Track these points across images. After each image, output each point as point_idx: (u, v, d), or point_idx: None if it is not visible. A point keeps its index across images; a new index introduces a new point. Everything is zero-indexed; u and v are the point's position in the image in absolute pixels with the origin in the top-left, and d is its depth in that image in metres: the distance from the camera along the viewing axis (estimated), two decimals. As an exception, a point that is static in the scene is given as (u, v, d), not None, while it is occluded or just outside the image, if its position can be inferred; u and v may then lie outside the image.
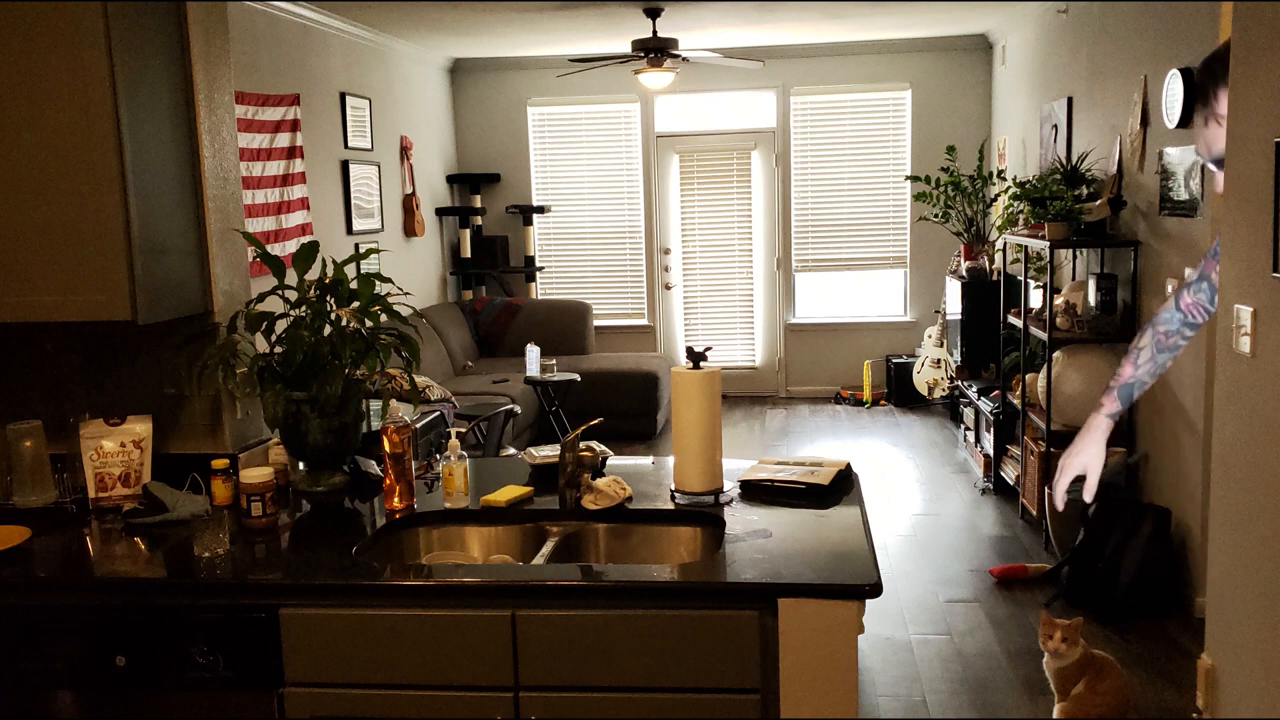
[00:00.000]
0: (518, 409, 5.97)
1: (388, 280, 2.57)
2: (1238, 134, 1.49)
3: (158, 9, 2.39)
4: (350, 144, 6.64)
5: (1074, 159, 5.57)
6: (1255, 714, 1.47)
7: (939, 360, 7.47)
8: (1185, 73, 4.22)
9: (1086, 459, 2.30)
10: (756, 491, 2.39)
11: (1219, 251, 2.14)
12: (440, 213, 8.22)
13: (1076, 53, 5.84)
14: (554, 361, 6.89)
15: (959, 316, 6.75)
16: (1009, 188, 6.17)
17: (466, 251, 8.31)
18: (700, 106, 8.45)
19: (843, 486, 2.42)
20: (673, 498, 2.35)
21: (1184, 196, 4.29)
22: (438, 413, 3.30)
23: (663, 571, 2.01)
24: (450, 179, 8.48)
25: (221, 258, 2.60)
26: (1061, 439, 4.91)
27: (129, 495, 2.44)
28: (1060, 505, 2.30)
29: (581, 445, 2.38)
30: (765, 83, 8.24)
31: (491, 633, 1.92)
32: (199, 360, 2.47)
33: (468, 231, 8.32)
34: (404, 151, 7.49)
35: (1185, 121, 4.26)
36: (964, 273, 6.86)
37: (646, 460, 2.70)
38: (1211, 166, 1.91)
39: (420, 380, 5.32)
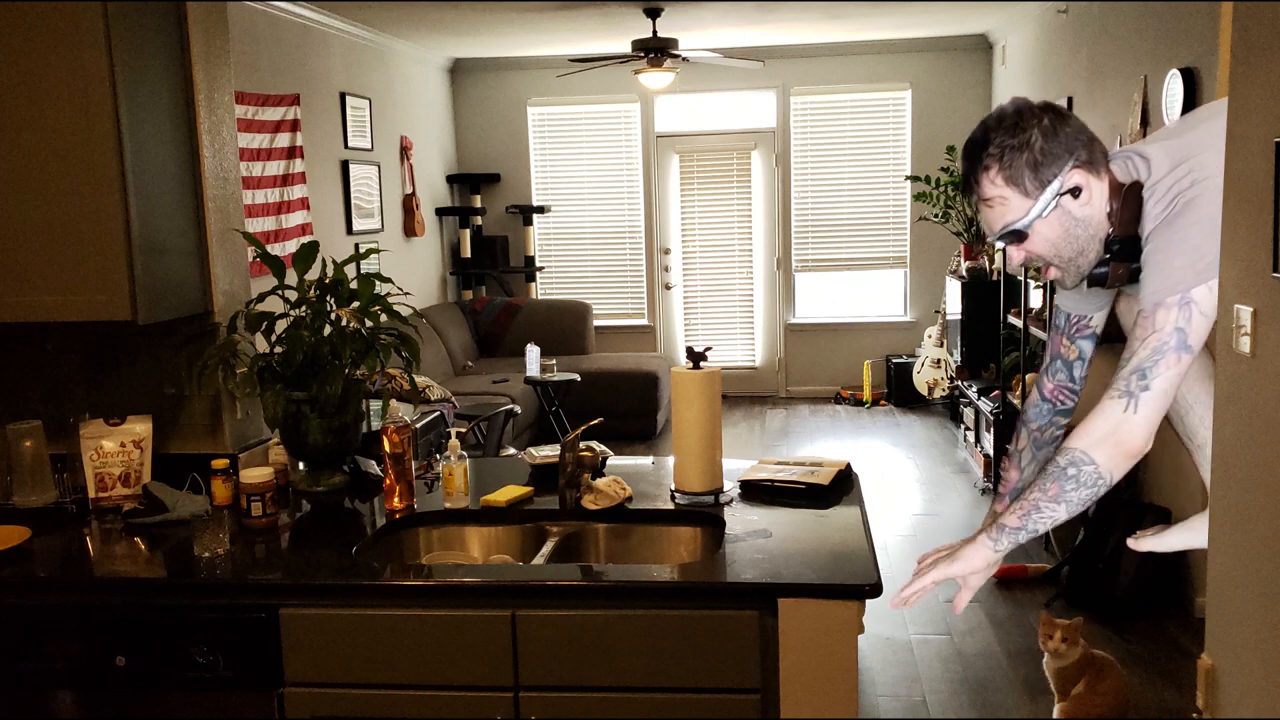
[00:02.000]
0: (518, 409, 5.97)
1: (388, 280, 2.56)
2: (1238, 134, 1.49)
3: (158, 9, 2.39)
4: (350, 144, 6.64)
5: (1074, 159, 5.56)
6: (1255, 714, 1.47)
7: (939, 360, 7.47)
8: (1185, 73, 4.22)
9: (971, 567, 1.86)
10: (756, 491, 2.39)
11: (1063, 324, 2.13)
12: (440, 213, 8.22)
13: (1076, 53, 5.84)
14: (554, 361, 6.89)
15: (959, 316, 6.75)
16: (1009, 188, 6.17)
17: (466, 251, 8.31)
18: (700, 106, 8.44)
19: (843, 486, 2.42)
20: (673, 498, 2.35)
21: (1184, 196, 4.28)
22: (438, 413, 3.30)
23: (663, 571, 2.01)
24: (450, 179, 8.48)
25: (221, 258, 2.60)
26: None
27: (129, 495, 2.43)
28: (910, 605, 1.91)
29: (581, 445, 2.38)
30: (765, 83, 8.23)
31: (491, 633, 1.92)
32: (199, 360, 2.47)
33: (468, 231, 8.32)
34: (404, 151, 7.49)
35: (1185, 121, 4.26)
36: (964, 273, 6.86)
37: (646, 460, 2.70)
38: (1000, 244, 1.91)
39: (420, 380, 5.32)
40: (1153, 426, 1.75)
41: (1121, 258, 1.89)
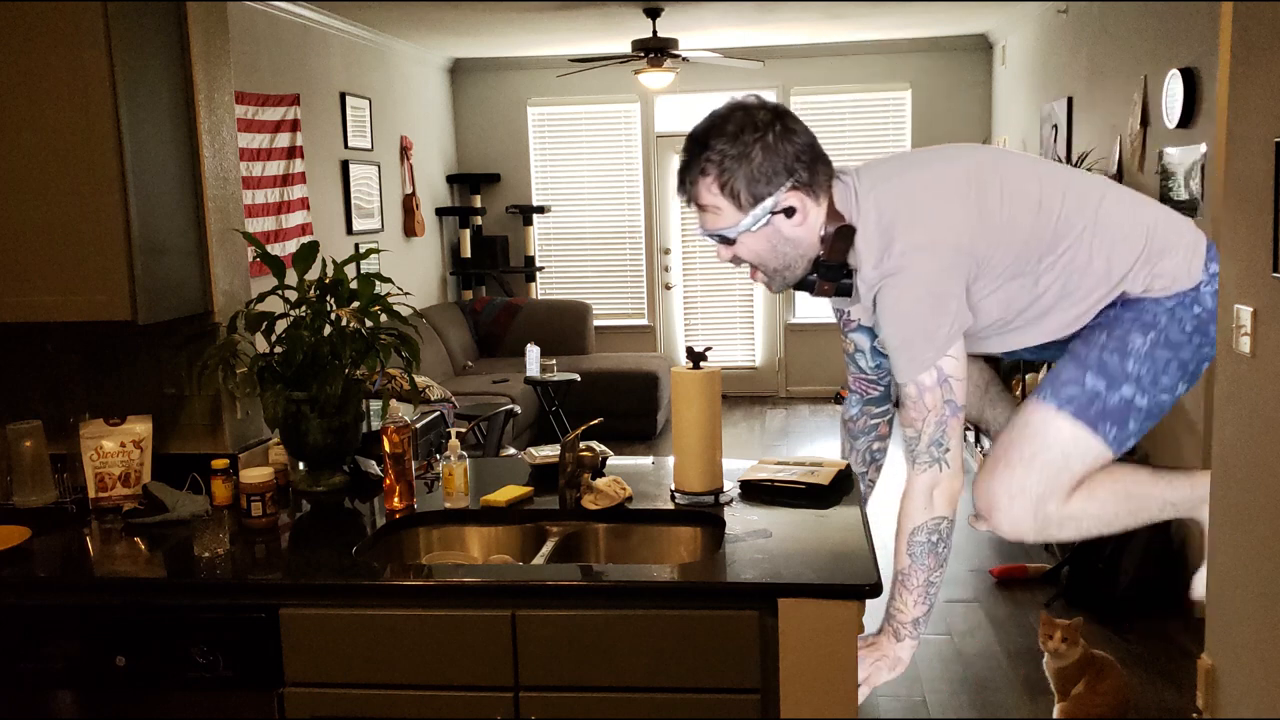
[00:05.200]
0: (518, 409, 5.97)
1: (388, 280, 2.56)
2: (1238, 134, 1.49)
3: (158, 9, 2.39)
4: (350, 144, 6.64)
5: (1074, 159, 5.57)
6: (1255, 714, 1.47)
7: (939, 360, 7.46)
8: (1185, 73, 4.22)
9: (905, 665, 1.98)
10: (756, 491, 2.39)
11: (838, 320, 2.21)
12: (440, 213, 8.22)
13: (1076, 53, 5.84)
14: (554, 361, 6.89)
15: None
16: (1009, 188, 6.18)
17: (466, 251, 8.31)
18: (700, 106, 8.40)
19: (843, 486, 2.42)
20: (673, 498, 2.35)
21: (1184, 196, 4.29)
22: (438, 413, 3.30)
23: (663, 571, 2.01)
24: (450, 179, 8.48)
25: (221, 258, 2.60)
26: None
27: (129, 495, 2.43)
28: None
29: (581, 445, 2.38)
30: (765, 83, 8.23)
31: (491, 633, 1.92)
32: (199, 360, 2.47)
33: (468, 231, 8.32)
34: (404, 151, 7.49)
35: (1185, 122, 4.26)
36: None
37: (646, 460, 2.70)
38: (711, 240, 1.97)
39: (420, 380, 5.32)
40: (962, 464, 1.93)
41: (828, 278, 1.98)
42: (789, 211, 1.90)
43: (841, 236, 1.92)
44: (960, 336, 1.89)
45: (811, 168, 1.90)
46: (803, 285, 2.02)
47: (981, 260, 1.90)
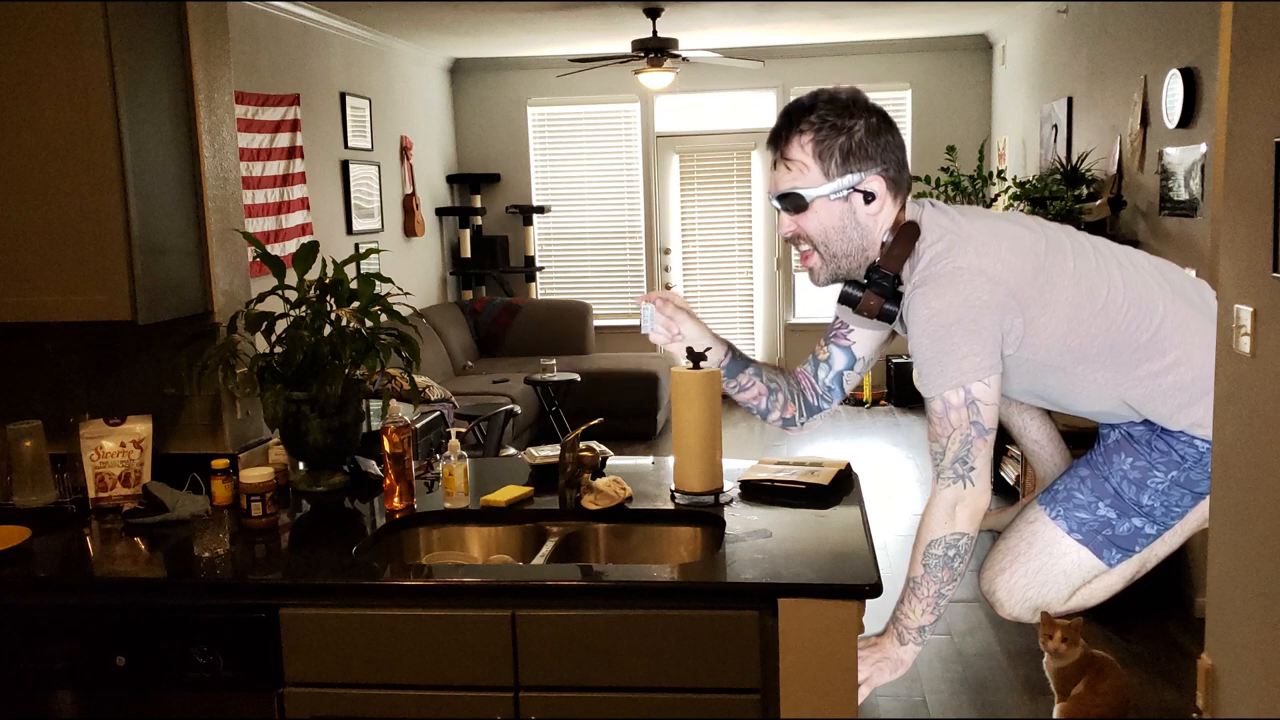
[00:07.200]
0: (518, 409, 5.97)
1: (388, 280, 2.56)
2: (1238, 134, 1.49)
3: (158, 9, 2.39)
4: (350, 144, 6.64)
5: (1074, 159, 5.57)
6: (1255, 714, 1.47)
7: (939, 360, 7.45)
8: (1185, 73, 4.22)
9: (905, 669, 2.00)
10: (756, 491, 2.39)
11: (832, 325, 2.21)
12: (440, 213, 8.22)
13: (1076, 53, 5.84)
14: (554, 361, 6.89)
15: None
16: (1009, 188, 6.17)
17: (466, 251, 8.31)
18: (700, 106, 8.44)
19: (843, 486, 2.42)
20: (673, 498, 2.35)
21: (1184, 196, 4.29)
22: (438, 413, 3.30)
23: (663, 571, 2.01)
24: (450, 179, 8.48)
25: (221, 258, 2.60)
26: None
27: (129, 495, 2.43)
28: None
29: (581, 445, 2.38)
30: (765, 83, 8.23)
31: (491, 633, 1.92)
32: (199, 360, 2.47)
33: (468, 231, 8.32)
34: (404, 151, 7.49)
35: (1185, 122, 4.26)
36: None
37: (646, 460, 2.70)
38: (775, 204, 1.97)
39: (420, 380, 5.32)
40: (989, 483, 1.95)
41: (878, 290, 1.96)
42: (869, 196, 1.90)
43: (901, 240, 1.91)
44: (996, 373, 1.86)
45: (899, 169, 1.93)
46: (847, 299, 2.00)
47: (1029, 324, 1.88)
